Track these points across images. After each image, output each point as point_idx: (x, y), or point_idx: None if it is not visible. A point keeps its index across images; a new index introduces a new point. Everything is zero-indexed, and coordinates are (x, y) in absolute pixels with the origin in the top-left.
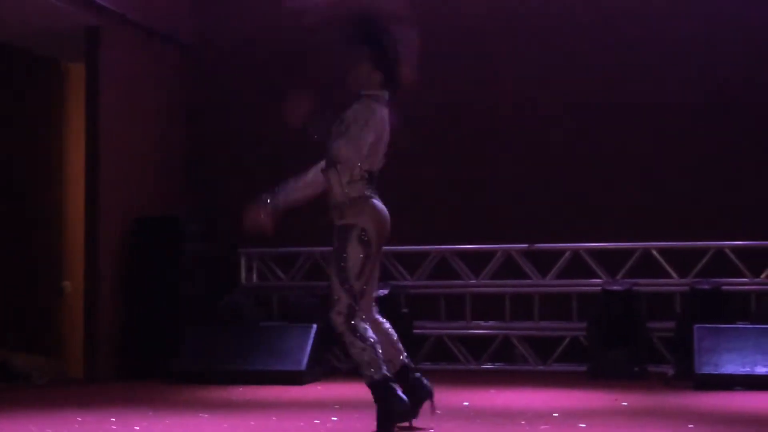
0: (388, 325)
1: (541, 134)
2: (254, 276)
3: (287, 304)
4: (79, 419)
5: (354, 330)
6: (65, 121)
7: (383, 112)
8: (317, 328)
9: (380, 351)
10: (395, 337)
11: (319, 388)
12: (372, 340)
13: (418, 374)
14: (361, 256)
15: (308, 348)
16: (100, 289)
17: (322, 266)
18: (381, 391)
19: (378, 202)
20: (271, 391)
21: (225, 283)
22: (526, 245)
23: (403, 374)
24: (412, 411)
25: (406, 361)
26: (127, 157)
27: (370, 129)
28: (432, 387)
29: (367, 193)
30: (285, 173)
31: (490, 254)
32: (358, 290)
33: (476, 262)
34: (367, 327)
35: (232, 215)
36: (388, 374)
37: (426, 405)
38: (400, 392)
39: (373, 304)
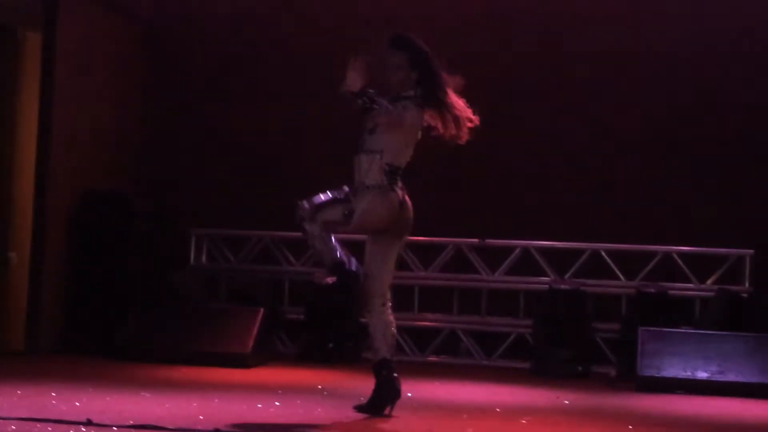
0: (393, 321)
1: (497, 133)
2: (203, 257)
3: (235, 287)
4: (19, 392)
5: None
6: (19, 89)
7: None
8: (264, 311)
9: (334, 242)
10: (394, 331)
11: (263, 372)
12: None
13: (395, 375)
14: (341, 212)
15: (254, 331)
16: (46, 260)
17: (272, 250)
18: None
19: (389, 193)
20: (215, 373)
21: (173, 262)
22: (477, 240)
23: (382, 366)
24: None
25: (389, 356)
26: (81, 129)
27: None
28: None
29: (384, 183)
30: (240, 154)
31: (441, 247)
32: (323, 211)
33: (426, 254)
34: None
35: (184, 194)
36: (354, 269)
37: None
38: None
39: (388, 298)
